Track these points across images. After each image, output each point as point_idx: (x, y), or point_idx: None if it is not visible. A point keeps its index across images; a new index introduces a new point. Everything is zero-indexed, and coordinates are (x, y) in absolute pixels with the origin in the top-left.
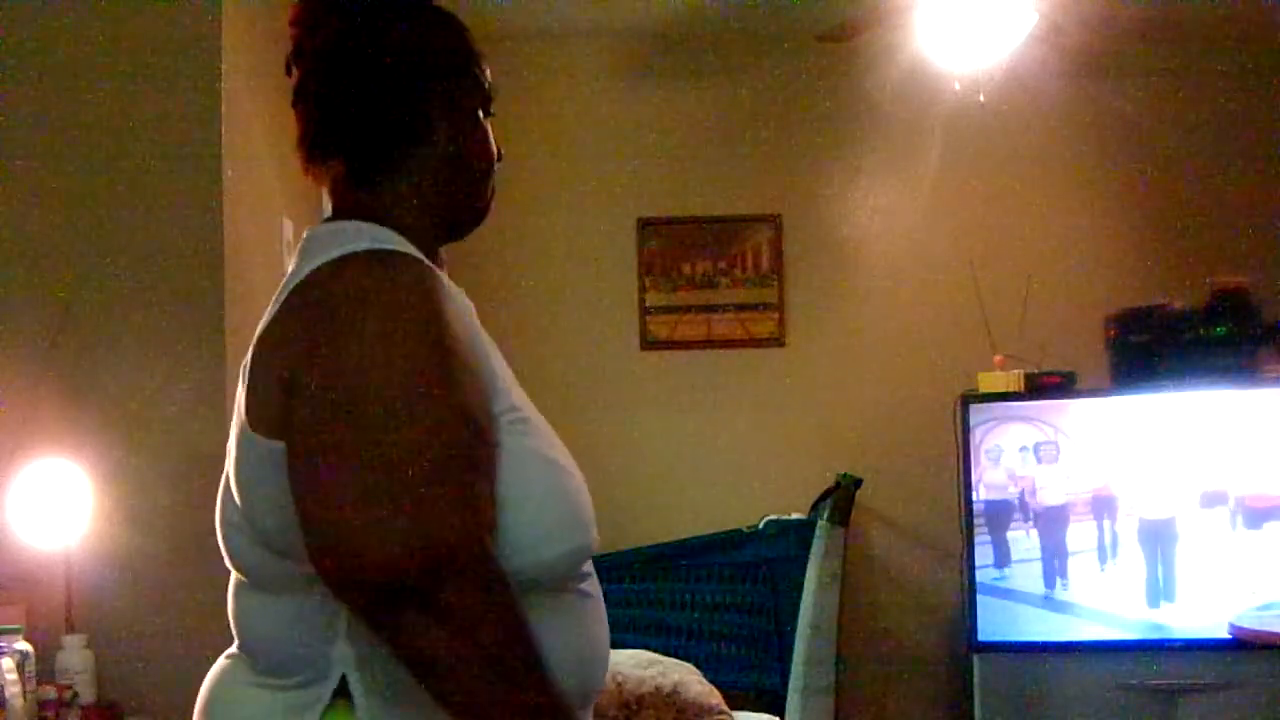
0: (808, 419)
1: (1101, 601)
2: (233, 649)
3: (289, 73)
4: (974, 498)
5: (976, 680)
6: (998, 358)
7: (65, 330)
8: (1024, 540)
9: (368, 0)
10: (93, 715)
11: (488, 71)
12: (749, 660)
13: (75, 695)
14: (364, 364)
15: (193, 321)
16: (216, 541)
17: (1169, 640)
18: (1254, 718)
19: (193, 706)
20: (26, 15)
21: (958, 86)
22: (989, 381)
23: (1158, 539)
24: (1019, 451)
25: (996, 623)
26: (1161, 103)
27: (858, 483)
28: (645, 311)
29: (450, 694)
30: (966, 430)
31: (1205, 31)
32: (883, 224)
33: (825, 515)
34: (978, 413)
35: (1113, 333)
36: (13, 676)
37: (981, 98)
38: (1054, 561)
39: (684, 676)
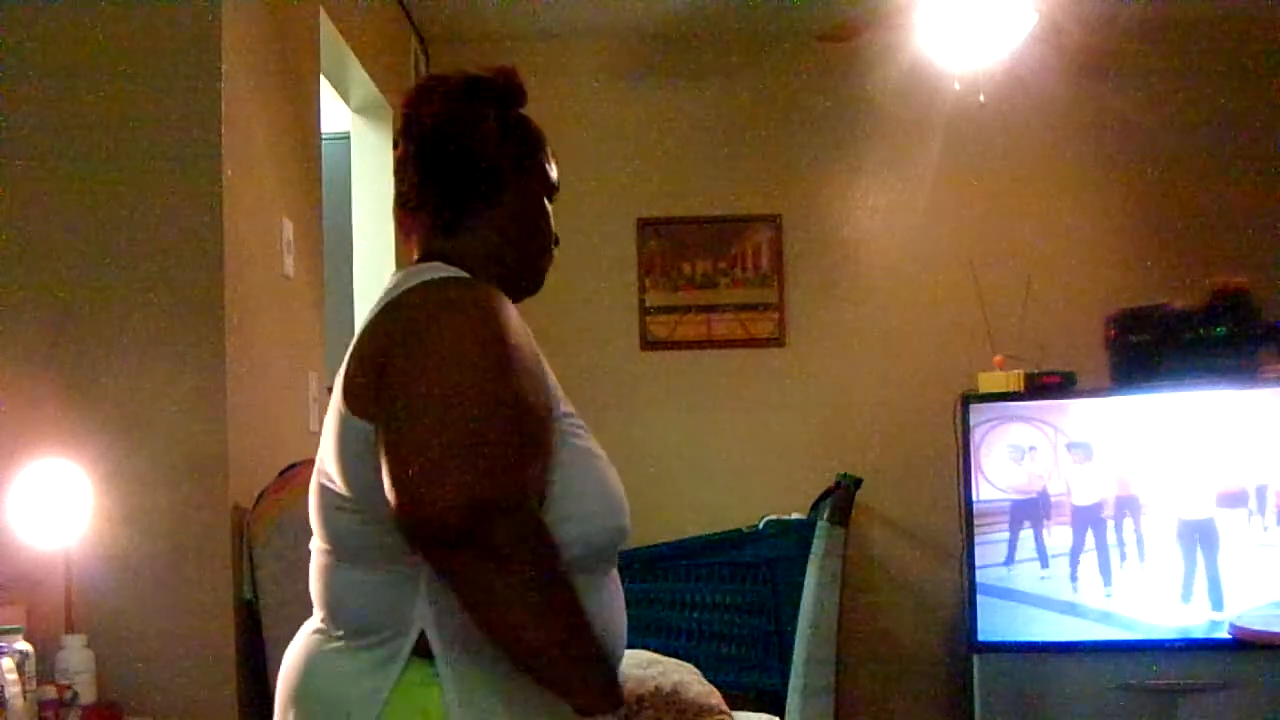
0: (808, 419)
1: (1101, 602)
2: (313, 623)
3: (396, 147)
4: (974, 497)
5: (976, 680)
6: (998, 358)
7: (65, 330)
8: (1028, 540)
9: (459, 96)
10: (93, 715)
11: (554, 168)
12: (749, 660)
13: (75, 695)
14: (440, 354)
15: (193, 321)
16: (216, 541)
17: (1169, 640)
18: (1254, 718)
19: (192, 706)
20: (26, 15)
21: (958, 86)
22: (989, 381)
23: (1160, 539)
24: (1016, 451)
25: (996, 623)
26: (1161, 103)
27: (858, 483)
28: (645, 311)
29: (497, 625)
30: (966, 430)
31: (1205, 31)
32: (883, 224)
33: (825, 515)
34: (978, 413)
35: (1113, 333)
36: (13, 676)
37: (981, 98)
38: (1061, 561)
39: (684, 676)
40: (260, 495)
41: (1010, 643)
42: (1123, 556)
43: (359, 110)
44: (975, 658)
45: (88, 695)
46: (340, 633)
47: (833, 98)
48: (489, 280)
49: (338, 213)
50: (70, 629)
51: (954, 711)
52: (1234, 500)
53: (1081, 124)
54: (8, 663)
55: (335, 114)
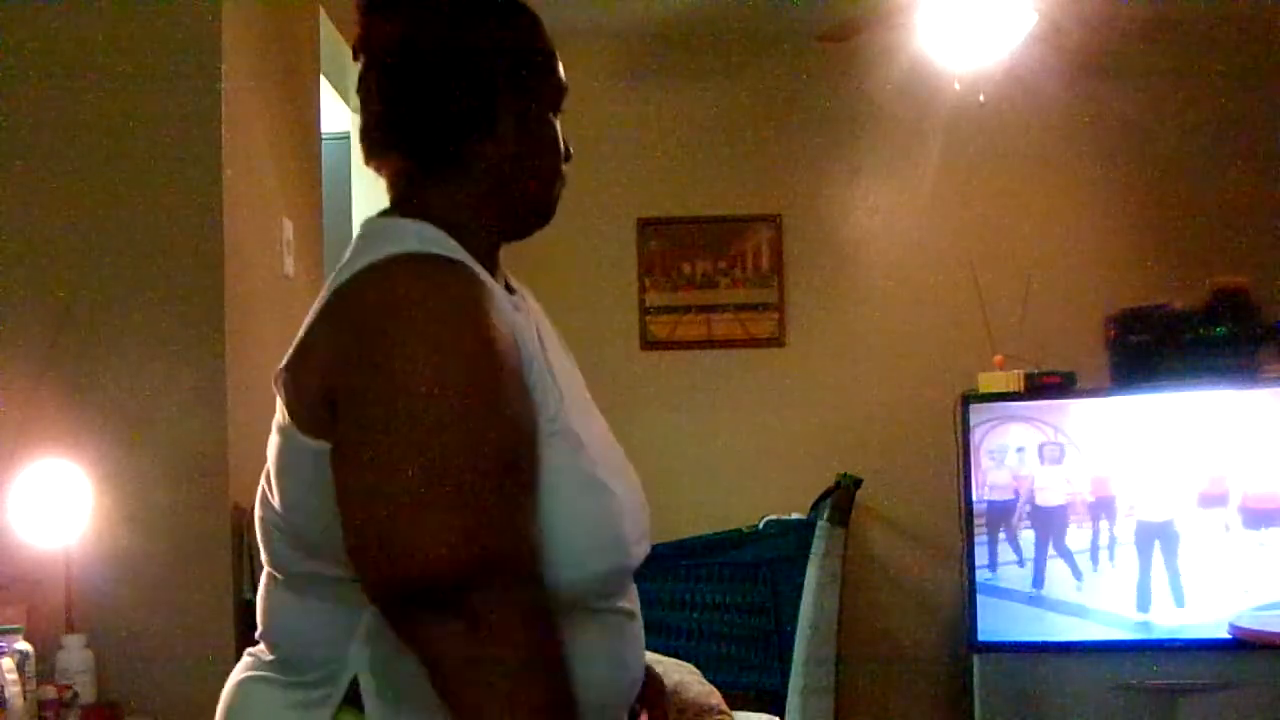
0: (808, 419)
1: (1101, 602)
2: (256, 645)
3: (355, 58)
4: (975, 498)
5: (976, 680)
6: (998, 358)
7: (65, 330)
8: (1025, 540)
9: None
10: (93, 715)
11: (561, 68)
12: (749, 660)
13: (75, 695)
14: (408, 373)
15: (192, 321)
16: (216, 541)
17: (1169, 640)
18: (1254, 718)
19: (192, 706)
20: (26, 15)
21: (958, 86)
22: (989, 381)
23: (1157, 540)
24: (1017, 452)
25: (996, 623)
26: (1161, 103)
27: (858, 483)
28: (645, 311)
29: (462, 701)
30: (966, 430)
31: (1205, 31)
32: (883, 224)
33: (825, 515)
34: (978, 413)
35: (1113, 333)
36: (13, 676)
37: (981, 98)
38: (1053, 561)
39: (684, 676)
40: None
41: (1010, 643)
42: (1113, 555)
43: None
44: (975, 658)
45: (88, 695)
46: (272, 659)
47: (833, 98)
48: (482, 232)
49: (338, 213)
50: (70, 629)
51: (954, 711)
52: (1232, 500)
53: (1081, 124)
54: (8, 663)
55: (335, 114)
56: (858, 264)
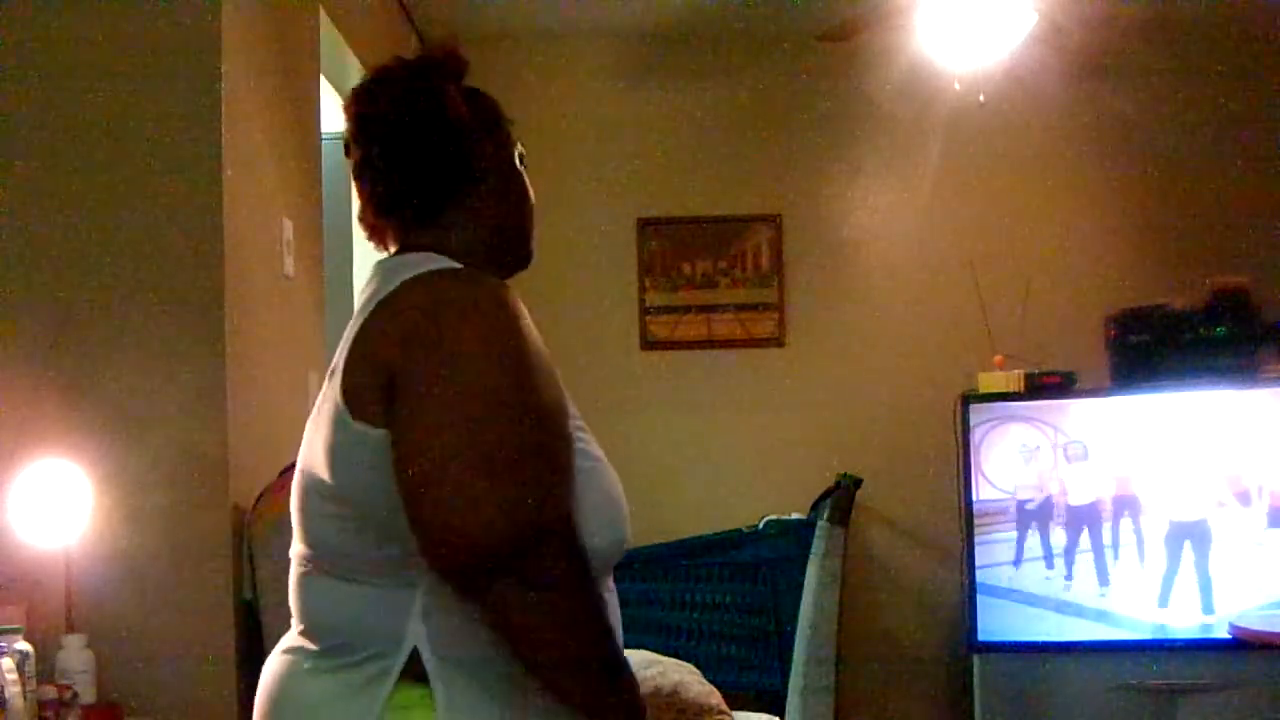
0: (808, 419)
1: (1101, 601)
2: (290, 639)
3: (347, 154)
4: (974, 497)
5: (976, 680)
6: (998, 358)
7: (65, 330)
8: (1029, 540)
9: (411, 81)
10: (93, 715)
11: (513, 133)
12: (749, 660)
13: (75, 695)
14: (466, 355)
15: (193, 321)
16: (216, 541)
17: (1169, 640)
18: (1254, 718)
19: (192, 706)
20: (26, 15)
21: (958, 86)
22: (989, 381)
23: (1186, 539)
24: (1019, 452)
25: (996, 623)
26: (1161, 103)
27: (858, 483)
28: (645, 311)
29: (536, 657)
30: (966, 430)
31: (1205, 31)
32: (883, 224)
33: (825, 515)
34: (978, 413)
35: (1113, 333)
36: (13, 676)
37: (981, 98)
38: (1060, 561)
39: (684, 677)
40: (260, 495)
41: (1010, 643)
42: (1116, 557)
43: None
44: (975, 658)
45: (88, 695)
46: (321, 649)
47: (833, 98)
48: (484, 265)
49: (338, 213)
50: (70, 629)
51: (954, 711)
52: (1233, 500)
53: (1081, 124)
54: (8, 663)
55: (335, 114)
56: (858, 264)
